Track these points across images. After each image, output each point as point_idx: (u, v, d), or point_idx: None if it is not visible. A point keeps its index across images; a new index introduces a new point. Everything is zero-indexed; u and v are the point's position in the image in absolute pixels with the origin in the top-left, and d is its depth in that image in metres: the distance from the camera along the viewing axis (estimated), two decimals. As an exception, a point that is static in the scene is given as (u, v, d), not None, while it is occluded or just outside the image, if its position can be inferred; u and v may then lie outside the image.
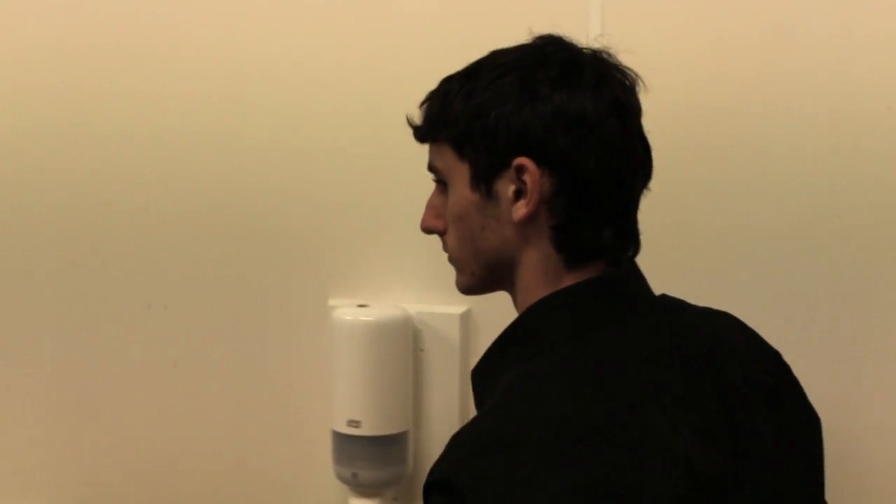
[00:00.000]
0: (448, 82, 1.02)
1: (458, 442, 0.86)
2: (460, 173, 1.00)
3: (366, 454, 1.56)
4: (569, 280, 0.98)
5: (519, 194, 0.96)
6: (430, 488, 0.84)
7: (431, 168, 1.05)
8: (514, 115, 0.95)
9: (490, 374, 0.99)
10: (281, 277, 1.74)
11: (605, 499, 0.79)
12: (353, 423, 1.56)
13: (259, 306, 1.76)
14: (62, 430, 1.91)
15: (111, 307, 1.85)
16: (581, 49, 1.01)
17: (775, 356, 1.09)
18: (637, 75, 1.02)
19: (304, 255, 1.72)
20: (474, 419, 0.90)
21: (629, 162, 0.99)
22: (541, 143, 0.94)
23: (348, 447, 1.57)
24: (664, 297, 1.05)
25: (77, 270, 1.86)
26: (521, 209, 0.96)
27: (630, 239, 1.01)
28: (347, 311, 1.58)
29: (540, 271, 0.98)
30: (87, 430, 1.89)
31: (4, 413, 1.94)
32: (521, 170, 0.95)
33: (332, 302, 1.68)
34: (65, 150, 1.84)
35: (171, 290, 1.81)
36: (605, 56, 1.01)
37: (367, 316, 1.56)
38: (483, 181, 0.98)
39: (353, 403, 1.56)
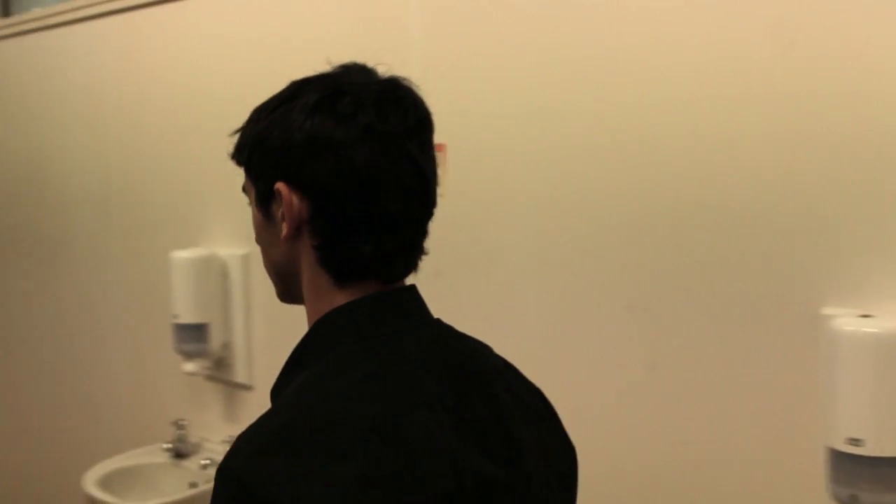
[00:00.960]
0: (255, 111, 1.07)
1: (247, 439, 0.92)
2: (252, 195, 1.07)
3: (869, 475, 1.45)
4: (341, 298, 1.02)
5: (284, 216, 1.01)
6: (221, 482, 0.90)
7: (243, 189, 1.10)
8: (276, 142, 1.01)
9: (286, 377, 1.04)
10: (769, 282, 1.67)
11: (374, 490, 0.87)
12: (855, 442, 1.45)
13: (744, 311, 1.71)
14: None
15: (590, 309, 1.90)
16: (364, 78, 1.03)
17: (537, 389, 1.15)
18: (422, 106, 1.03)
19: (795, 259, 1.64)
20: (264, 415, 0.95)
21: (387, 186, 0.99)
22: (294, 168, 0.99)
23: (849, 466, 1.46)
24: (439, 320, 1.08)
25: (558, 271, 1.94)
26: (283, 229, 1.01)
27: (399, 259, 1.03)
28: (848, 322, 1.47)
29: (314, 287, 1.04)
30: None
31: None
32: (279, 193, 1.00)
33: (826, 311, 1.57)
34: (558, 157, 1.92)
35: (652, 292, 1.82)
36: (392, 84, 1.02)
37: (872, 327, 1.44)
38: (262, 203, 1.05)
39: (855, 420, 1.46)
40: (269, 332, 2.59)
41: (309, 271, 1.04)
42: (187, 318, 2.59)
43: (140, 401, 3.04)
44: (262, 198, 1.05)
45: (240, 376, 2.65)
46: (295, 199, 1.00)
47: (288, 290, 1.09)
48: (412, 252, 1.05)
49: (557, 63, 1.93)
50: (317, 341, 1.04)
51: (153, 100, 2.90)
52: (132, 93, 2.97)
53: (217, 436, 2.72)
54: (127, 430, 3.07)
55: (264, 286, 2.41)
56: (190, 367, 2.61)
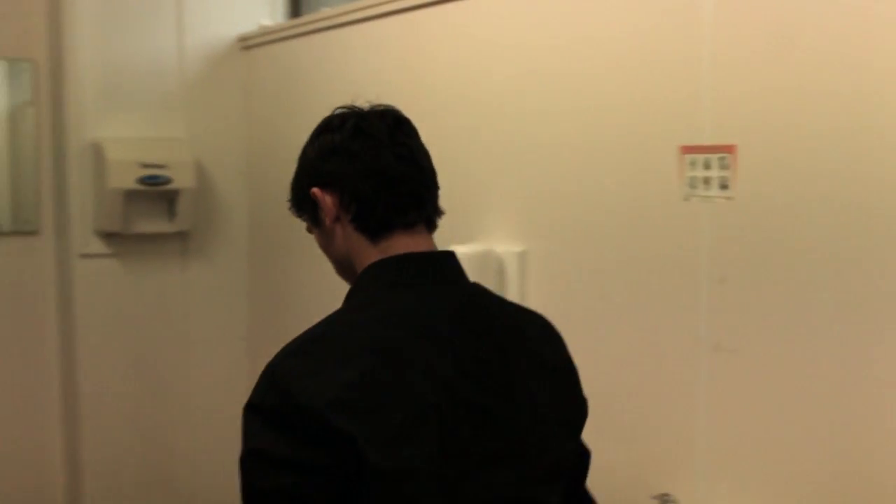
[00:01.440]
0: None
1: (287, 345, 1.28)
2: (308, 223, 1.47)
3: None
4: (376, 255, 1.37)
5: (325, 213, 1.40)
6: (262, 374, 1.25)
7: (307, 230, 1.50)
8: (300, 168, 1.46)
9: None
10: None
11: (362, 391, 1.19)
12: None
13: None
14: None
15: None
16: (358, 110, 1.45)
17: (559, 349, 1.46)
18: (397, 113, 1.47)
19: None
20: (307, 329, 1.30)
21: (377, 162, 1.37)
22: (315, 174, 1.41)
23: None
24: (475, 283, 1.43)
25: (857, 277, 1.84)
26: (326, 220, 1.41)
27: (410, 210, 1.38)
28: None
29: (357, 253, 1.38)
30: None
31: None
32: (315, 196, 1.40)
33: None
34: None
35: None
36: (375, 108, 1.45)
37: None
38: (314, 220, 1.44)
39: None
40: (541, 327, 2.63)
41: (353, 244, 1.39)
42: (456, 312, 2.66)
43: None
44: (312, 214, 1.43)
45: (511, 369, 2.70)
46: (326, 196, 1.39)
47: (347, 270, 1.43)
48: (419, 205, 1.40)
49: (876, 52, 1.82)
50: (357, 287, 1.39)
51: (431, 97, 2.99)
52: (412, 90, 3.08)
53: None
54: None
55: (540, 284, 2.49)
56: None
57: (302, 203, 1.45)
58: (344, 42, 3.41)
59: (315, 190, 1.40)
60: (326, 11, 3.48)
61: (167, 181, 3.76)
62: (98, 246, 3.83)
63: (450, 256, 1.42)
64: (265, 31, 3.91)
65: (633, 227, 2.34)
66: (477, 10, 2.79)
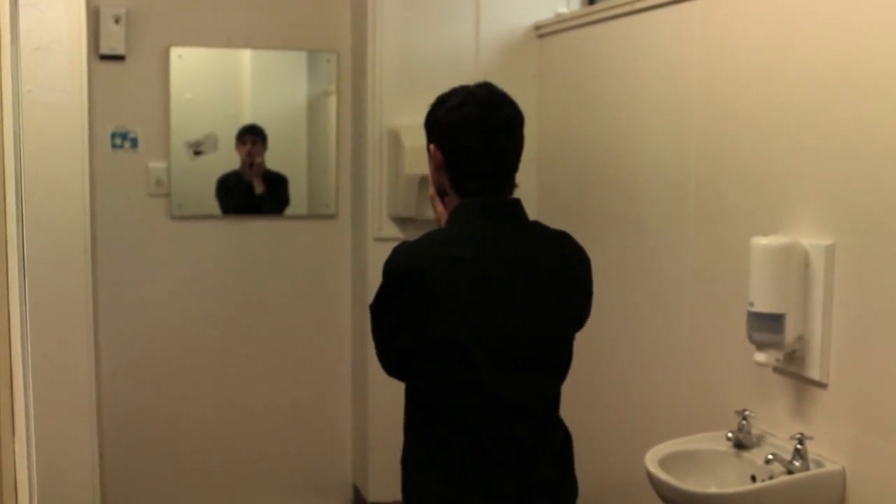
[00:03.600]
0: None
1: (399, 247, 2.09)
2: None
3: None
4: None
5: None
6: (383, 272, 2.08)
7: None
8: (426, 124, 2.14)
9: None
10: None
11: (429, 257, 2.03)
12: None
13: None
14: None
15: None
16: (470, 87, 2.11)
17: (582, 257, 2.20)
18: (499, 95, 2.11)
19: None
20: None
21: (477, 143, 2.06)
22: (432, 134, 2.12)
23: None
24: (536, 222, 2.17)
25: None
26: (434, 165, 2.13)
27: (488, 190, 2.09)
28: None
29: (451, 199, 2.13)
30: None
31: None
32: (430, 148, 2.12)
33: None
34: None
35: None
36: (479, 88, 2.11)
37: None
38: (430, 158, 2.15)
39: None
40: (850, 329, 2.41)
41: (448, 192, 2.12)
42: (763, 306, 2.50)
43: (701, 385, 3.03)
44: (429, 155, 2.13)
45: (813, 372, 2.51)
46: (437, 152, 2.10)
47: (439, 196, 2.15)
48: (498, 187, 2.10)
49: None
50: (447, 221, 2.12)
51: (733, 84, 2.84)
52: (712, 77, 2.94)
53: (783, 431, 2.61)
54: (686, 414, 3.08)
55: (848, 281, 2.30)
56: (761, 357, 2.52)
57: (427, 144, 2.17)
58: (642, 28, 3.32)
59: (431, 146, 2.12)
60: (623, -2, 3.40)
61: (460, 168, 3.83)
62: (392, 230, 3.96)
63: (510, 202, 2.12)
64: (561, 19, 3.88)
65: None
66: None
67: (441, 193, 2.14)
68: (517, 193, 2.14)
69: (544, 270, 2.08)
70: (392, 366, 2.15)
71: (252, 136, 4.16)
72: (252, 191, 4.20)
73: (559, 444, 2.16)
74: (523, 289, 2.05)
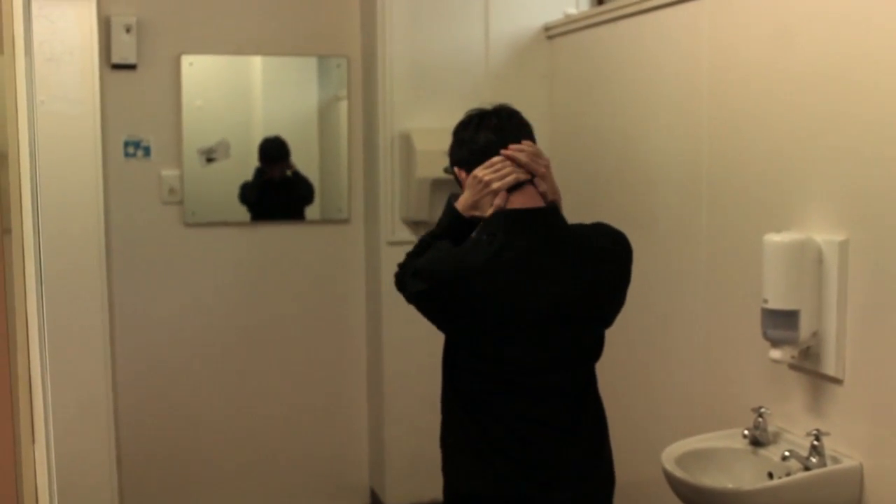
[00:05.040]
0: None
1: (430, 255, 2.23)
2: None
3: None
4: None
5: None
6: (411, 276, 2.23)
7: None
8: (450, 150, 2.34)
9: None
10: None
11: (456, 267, 2.16)
12: None
13: None
14: None
15: None
16: (485, 110, 2.30)
17: (624, 243, 2.30)
18: (511, 114, 2.30)
19: None
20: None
21: (496, 154, 2.22)
22: (454, 156, 2.31)
23: None
24: (573, 226, 2.28)
25: None
26: (463, 185, 2.28)
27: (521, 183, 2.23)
28: None
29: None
30: None
31: None
32: (455, 173, 2.32)
33: None
34: None
35: None
36: (495, 109, 2.30)
37: None
38: (456, 179, 2.33)
39: None
40: (864, 324, 2.41)
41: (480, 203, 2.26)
42: (777, 303, 2.49)
43: (716, 383, 3.02)
44: (458, 181, 2.31)
45: (828, 368, 2.51)
46: (461, 172, 2.28)
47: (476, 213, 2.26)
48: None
49: None
50: (484, 226, 2.22)
51: (746, 81, 2.84)
52: (723, 75, 2.94)
53: (799, 428, 2.61)
54: (702, 412, 3.08)
55: (862, 276, 2.29)
56: (776, 354, 2.52)
57: (454, 175, 2.33)
58: (651, 28, 3.32)
59: (456, 169, 2.30)
60: (632, -3, 3.40)
61: (472, 170, 3.84)
62: (405, 234, 3.98)
63: (540, 210, 2.22)
64: (570, 20, 3.89)
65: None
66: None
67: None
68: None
69: (579, 287, 2.19)
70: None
71: (279, 164, 4.20)
72: (278, 191, 4.23)
73: (590, 427, 2.27)
74: (559, 305, 2.16)
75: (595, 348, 2.27)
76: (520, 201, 2.20)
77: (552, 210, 2.24)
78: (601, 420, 2.30)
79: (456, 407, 2.26)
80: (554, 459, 2.20)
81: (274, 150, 4.18)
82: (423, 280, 2.17)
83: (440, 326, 2.24)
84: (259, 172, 4.18)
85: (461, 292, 2.12)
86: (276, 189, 4.23)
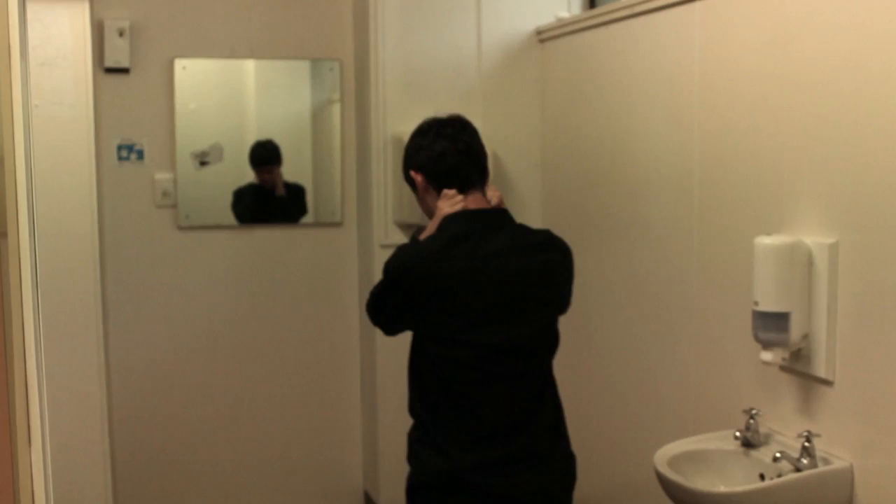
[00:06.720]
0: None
1: (398, 251, 2.52)
2: (411, 188, 2.63)
3: None
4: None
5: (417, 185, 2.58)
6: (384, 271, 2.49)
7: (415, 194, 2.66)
8: (405, 156, 2.59)
9: None
10: None
11: (412, 259, 2.44)
12: None
13: None
14: None
15: None
16: (441, 119, 2.56)
17: (563, 248, 2.57)
18: (464, 124, 2.57)
19: None
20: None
21: (451, 160, 2.50)
22: (410, 160, 2.56)
23: None
24: (519, 225, 2.56)
25: None
26: (419, 189, 2.56)
27: (465, 185, 2.51)
28: None
29: (439, 213, 2.50)
30: None
31: None
32: (412, 176, 2.56)
33: None
34: None
35: None
36: (449, 119, 2.57)
37: None
38: (412, 186, 2.59)
39: None
40: (854, 327, 2.43)
41: (435, 203, 2.51)
42: (768, 305, 2.51)
43: (708, 385, 3.04)
44: (410, 183, 2.58)
45: (819, 370, 2.52)
46: (418, 176, 2.53)
47: (431, 216, 2.52)
48: (471, 181, 2.51)
49: None
50: (438, 228, 2.45)
51: (734, 84, 2.86)
52: (713, 78, 2.96)
53: (790, 429, 2.62)
54: (694, 414, 3.09)
55: (852, 278, 2.33)
56: (767, 356, 2.54)
57: (408, 179, 2.57)
58: (643, 31, 3.34)
59: (411, 172, 2.54)
60: (624, 1, 3.41)
61: (464, 174, 3.85)
62: (398, 237, 3.98)
63: (496, 211, 2.53)
64: (562, 24, 3.90)
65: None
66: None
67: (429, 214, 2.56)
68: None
69: (529, 268, 2.45)
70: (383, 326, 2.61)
71: (268, 167, 4.20)
72: (270, 199, 4.23)
73: (547, 418, 2.52)
74: (512, 284, 2.43)
75: (550, 337, 2.53)
76: (473, 204, 2.50)
77: (501, 209, 2.55)
78: (558, 406, 2.56)
79: (418, 406, 2.53)
80: (514, 445, 2.44)
81: (265, 154, 4.18)
82: (386, 274, 2.45)
83: (410, 322, 2.50)
84: (251, 188, 4.19)
85: (424, 274, 2.38)
86: (269, 203, 4.24)
